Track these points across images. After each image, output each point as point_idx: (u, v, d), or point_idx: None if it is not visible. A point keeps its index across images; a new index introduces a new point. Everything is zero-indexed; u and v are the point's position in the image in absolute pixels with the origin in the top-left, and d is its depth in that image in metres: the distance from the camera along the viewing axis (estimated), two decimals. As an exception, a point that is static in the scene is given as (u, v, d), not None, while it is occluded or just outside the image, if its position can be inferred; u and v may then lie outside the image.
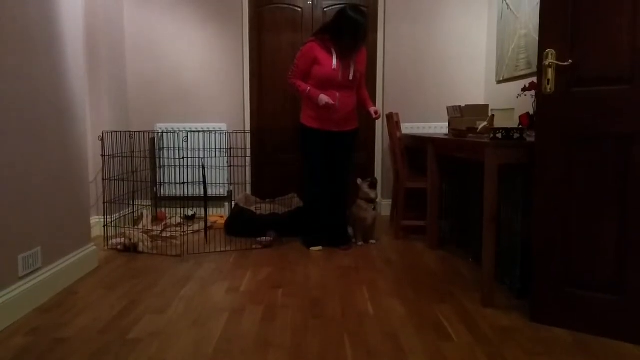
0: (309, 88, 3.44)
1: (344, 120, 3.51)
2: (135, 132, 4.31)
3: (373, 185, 3.73)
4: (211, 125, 4.65)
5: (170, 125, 4.65)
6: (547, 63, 2.18)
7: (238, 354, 2.01)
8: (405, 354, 2.02)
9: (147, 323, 2.32)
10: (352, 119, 3.56)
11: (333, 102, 3.37)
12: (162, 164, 4.59)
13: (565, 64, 2.14)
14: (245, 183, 4.57)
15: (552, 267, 2.25)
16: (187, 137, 4.44)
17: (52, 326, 2.28)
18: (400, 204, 3.91)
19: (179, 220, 4.35)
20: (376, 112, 3.55)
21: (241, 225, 3.96)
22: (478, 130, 3.13)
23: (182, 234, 3.90)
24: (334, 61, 3.38)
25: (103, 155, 3.85)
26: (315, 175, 3.56)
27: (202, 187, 3.92)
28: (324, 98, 3.36)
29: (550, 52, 2.17)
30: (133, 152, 4.30)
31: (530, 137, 2.52)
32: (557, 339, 2.15)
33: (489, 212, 2.50)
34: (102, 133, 3.90)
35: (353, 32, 3.31)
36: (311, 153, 3.55)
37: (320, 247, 3.57)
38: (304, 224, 3.70)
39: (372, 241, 3.79)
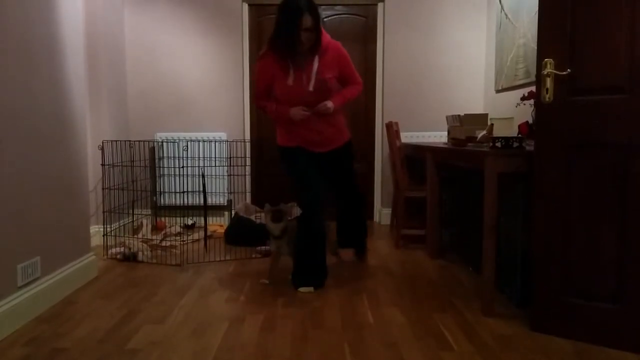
0: (275, 106, 2.90)
1: (326, 140, 2.98)
2: (135, 141, 4.32)
3: (278, 218, 2.95)
4: (211, 135, 4.66)
5: (170, 135, 4.66)
6: (545, 72, 2.19)
7: (237, 364, 2.00)
8: (405, 363, 2.01)
9: (147, 333, 2.31)
10: (336, 136, 3.02)
11: (308, 113, 2.82)
12: (162, 173, 4.59)
13: (564, 73, 2.15)
14: (245, 192, 4.57)
15: (552, 275, 2.25)
16: (187, 146, 4.45)
17: (51, 336, 2.27)
18: (400, 212, 3.91)
19: (178, 229, 4.35)
20: (324, 107, 2.83)
21: (241, 234, 3.96)
22: (477, 139, 3.14)
23: (182, 243, 3.90)
24: (291, 74, 2.79)
25: (103, 165, 3.85)
26: (310, 193, 2.90)
27: (201, 196, 3.91)
28: (296, 112, 2.82)
29: (548, 61, 2.18)
30: (133, 161, 4.31)
31: (530, 145, 2.53)
32: (558, 348, 2.14)
33: (488, 220, 2.50)
34: (102, 142, 3.91)
35: (290, 21, 2.64)
36: (298, 169, 2.96)
37: (311, 289, 2.89)
38: (295, 259, 3.01)
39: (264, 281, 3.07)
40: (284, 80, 2.80)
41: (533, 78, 3.49)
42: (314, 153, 3.02)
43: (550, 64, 2.18)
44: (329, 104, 2.82)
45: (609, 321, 2.14)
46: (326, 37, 2.84)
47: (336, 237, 3.40)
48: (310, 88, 2.79)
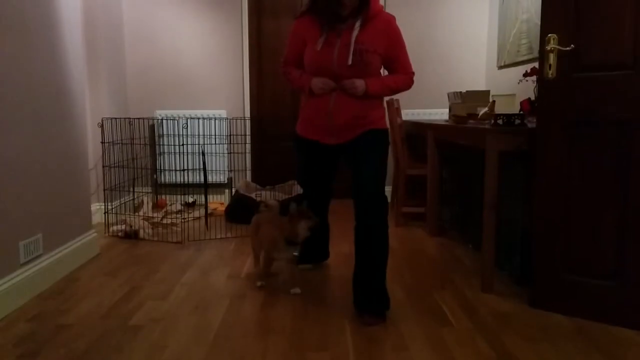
0: (299, 73, 2.42)
1: (345, 127, 2.32)
2: (134, 118, 4.29)
3: (314, 227, 2.45)
4: (211, 112, 4.63)
5: (169, 112, 4.63)
6: (549, 48, 2.16)
7: (239, 340, 2.02)
8: (405, 339, 2.03)
9: (149, 309, 2.33)
10: (359, 124, 2.32)
11: (331, 85, 2.27)
12: (162, 151, 4.58)
13: (567, 49, 2.12)
14: (246, 170, 4.56)
15: (553, 253, 2.26)
16: (187, 123, 4.43)
17: (54, 312, 2.29)
18: (401, 190, 3.91)
19: (179, 207, 4.36)
20: (351, 84, 2.26)
21: (241, 212, 3.97)
22: (479, 116, 3.12)
23: (183, 220, 3.91)
24: (321, 38, 2.28)
25: (103, 142, 3.84)
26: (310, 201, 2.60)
27: (202, 174, 3.91)
28: (317, 82, 2.29)
29: (552, 37, 2.15)
30: (133, 139, 4.29)
31: (532, 123, 2.51)
32: (557, 325, 2.16)
33: (489, 198, 2.50)
34: (102, 120, 3.89)
35: None
36: (299, 169, 2.66)
37: (310, 265, 2.88)
38: None
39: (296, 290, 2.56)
40: (313, 44, 2.31)
41: (536, 54, 3.45)
42: (326, 148, 2.43)
43: (553, 39, 2.15)
44: (359, 82, 2.24)
45: (609, 298, 2.15)
46: (378, 5, 2.33)
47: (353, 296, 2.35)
48: (349, 61, 2.23)
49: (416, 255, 3.18)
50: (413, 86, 2.45)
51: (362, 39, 2.25)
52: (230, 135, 4.45)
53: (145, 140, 4.50)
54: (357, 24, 2.25)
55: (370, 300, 2.25)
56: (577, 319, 2.21)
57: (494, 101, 3.20)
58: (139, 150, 4.40)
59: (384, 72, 2.44)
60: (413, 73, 2.43)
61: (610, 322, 2.15)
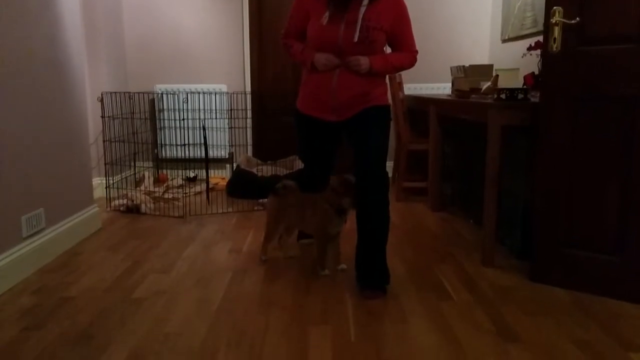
0: (302, 47, 2.35)
1: (348, 105, 2.27)
2: (134, 93, 4.26)
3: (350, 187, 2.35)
4: (211, 87, 4.59)
5: (169, 87, 4.59)
6: (554, 21, 2.12)
7: (241, 313, 2.04)
8: (405, 313, 2.05)
9: (151, 283, 2.35)
10: (362, 101, 2.27)
11: (335, 62, 2.21)
12: (162, 126, 4.56)
13: (573, 22, 2.09)
14: (247, 145, 4.55)
15: (554, 227, 2.26)
16: (187, 98, 4.39)
17: (58, 286, 2.31)
18: (402, 165, 3.90)
19: (180, 181, 4.36)
20: (355, 61, 2.20)
21: (243, 187, 3.97)
22: (482, 91, 3.09)
23: (184, 195, 3.91)
24: (327, 13, 2.21)
25: (103, 117, 3.82)
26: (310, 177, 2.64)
27: (203, 149, 3.90)
28: (320, 57, 2.23)
29: (557, 9, 2.11)
30: (133, 113, 4.26)
31: (535, 97, 2.49)
32: (557, 299, 2.18)
33: (491, 173, 2.50)
34: (102, 94, 3.86)
35: None
36: (299, 145, 2.60)
37: (311, 240, 2.72)
38: None
39: (342, 266, 2.53)
40: (318, 18, 2.23)
41: (540, 27, 3.40)
42: (328, 125, 2.36)
43: (559, 12, 2.11)
44: (363, 59, 2.19)
45: (609, 272, 2.16)
46: None
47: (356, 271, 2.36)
48: (355, 38, 2.17)
49: (417, 230, 3.19)
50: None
51: (369, 16, 2.18)
52: (231, 109, 4.42)
53: (145, 115, 4.48)
54: (366, 1, 2.19)
55: (371, 275, 2.27)
56: (577, 292, 2.23)
57: (497, 75, 3.16)
58: (139, 125, 4.38)
59: (387, 49, 2.41)
60: (417, 52, 2.38)
61: (610, 296, 2.16)
